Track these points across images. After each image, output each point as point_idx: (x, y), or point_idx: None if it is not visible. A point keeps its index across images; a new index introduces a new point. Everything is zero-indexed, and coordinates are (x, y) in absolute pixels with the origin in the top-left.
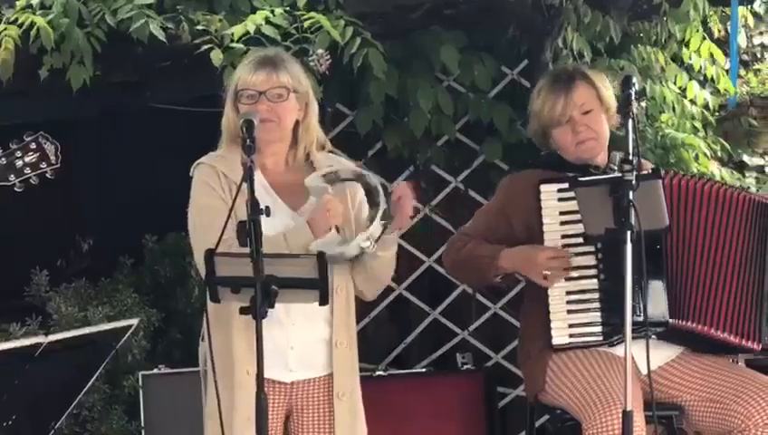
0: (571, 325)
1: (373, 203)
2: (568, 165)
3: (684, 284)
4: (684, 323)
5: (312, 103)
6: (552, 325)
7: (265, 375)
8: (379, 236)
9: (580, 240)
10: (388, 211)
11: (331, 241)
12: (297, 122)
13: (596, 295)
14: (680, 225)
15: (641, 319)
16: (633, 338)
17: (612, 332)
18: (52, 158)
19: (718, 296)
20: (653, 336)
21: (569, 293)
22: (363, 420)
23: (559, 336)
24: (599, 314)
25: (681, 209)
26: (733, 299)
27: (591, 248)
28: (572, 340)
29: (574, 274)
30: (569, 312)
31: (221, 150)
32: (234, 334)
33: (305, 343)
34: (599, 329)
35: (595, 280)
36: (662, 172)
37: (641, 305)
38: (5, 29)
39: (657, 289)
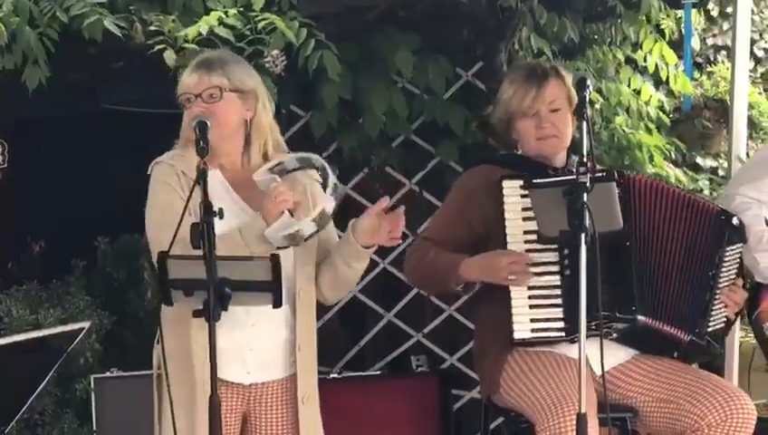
0: (533, 320)
1: (323, 180)
2: (525, 163)
3: (649, 280)
4: (651, 321)
5: (263, 102)
6: (514, 319)
7: (223, 377)
8: (333, 211)
9: None
10: (337, 185)
11: (283, 224)
12: (248, 122)
13: (558, 291)
14: (644, 223)
15: (611, 313)
16: (590, 335)
17: (574, 328)
18: None
19: (670, 291)
20: (614, 335)
21: (531, 288)
22: (321, 423)
23: (520, 330)
24: (561, 310)
25: (646, 209)
26: (679, 293)
27: (555, 244)
28: (534, 334)
29: (537, 269)
30: (531, 307)
31: (179, 150)
32: (193, 337)
33: (265, 345)
34: (560, 325)
35: (558, 276)
36: (629, 173)
37: (612, 298)
38: None
39: (626, 284)
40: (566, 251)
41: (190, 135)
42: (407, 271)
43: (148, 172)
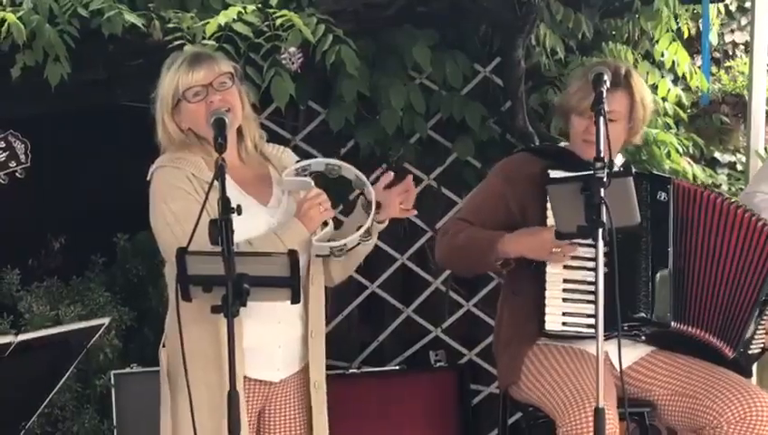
0: (564, 313)
1: (361, 194)
2: (564, 155)
3: (687, 287)
4: (686, 327)
5: (245, 94)
6: (547, 310)
7: (251, 375)
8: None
9: None
10: (380, 203)
11: (327, 235)
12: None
13: (592, 288)
14: (687, 230)
15: (646, 316)
16: (623, 336)
17: (604, 326)
18: (22, 157)
19: (714, 304)
20: (643, 338)
21: (566, 281)
22: (326, 410)
23: (552, 322)
24: (593, 306)
25: (689, 215)
26: (725, 305)
27: (571, 240)
28: (565, 328)
29: (574, 263)
30: (564, 300)
31: (176, 152)
32: (222, 337)
33: (290, 341)
34: (591, 321)
35: (593, 272)
36: (675, 179)
37: (650, 303)
38: None
39: (663, 289)
40: (606, 249)
41: (206, 132)
42: (438, 249)
43: (148, 178)
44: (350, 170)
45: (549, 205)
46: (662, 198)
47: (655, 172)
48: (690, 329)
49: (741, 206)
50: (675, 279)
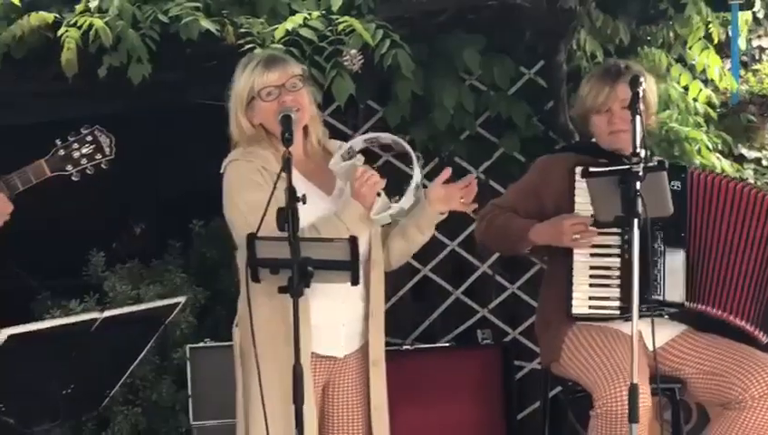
0: (591, 298)
1: (406, 156)
2: (600, 152)
3: (703, 269)
4: (699, 306)
5: (311, 95)
6: (574, 295)
7: (319, 351)
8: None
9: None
10: (419, 157)
11: (385, 205)
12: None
13: (617, 273)
14: (704, 215)
15: (659, 298)
16: (645, 316)
17: (628, 308)
18: (107, 150)
19: (736, 284)
20: (666, 316)
21: (592, 267)
22: (385, 386)
23: (579, 306)
24: (618, 290)
25: (707, 201)
26: (748, 289)
27: (618, 229)
28: (591, 311)
29: (600, 251)
30: (590, 285)
31: (247, 147)
32: (290, 315)
33: (353, 320)
34: (616, 304)
35: (618, 259)
36: (690, 168)
37: (661, 286)
38: (67, 31)
39: (676, 272)
40: (627, 236)
41: (275, 128)
42: (477, 231)
43: (222, 171)
44: (387, 137)
45: (576, 197)
46: (675, 187)
47: (669, 163)
48: (708, 309)
49: (761, 191)
50: (690, 262)
